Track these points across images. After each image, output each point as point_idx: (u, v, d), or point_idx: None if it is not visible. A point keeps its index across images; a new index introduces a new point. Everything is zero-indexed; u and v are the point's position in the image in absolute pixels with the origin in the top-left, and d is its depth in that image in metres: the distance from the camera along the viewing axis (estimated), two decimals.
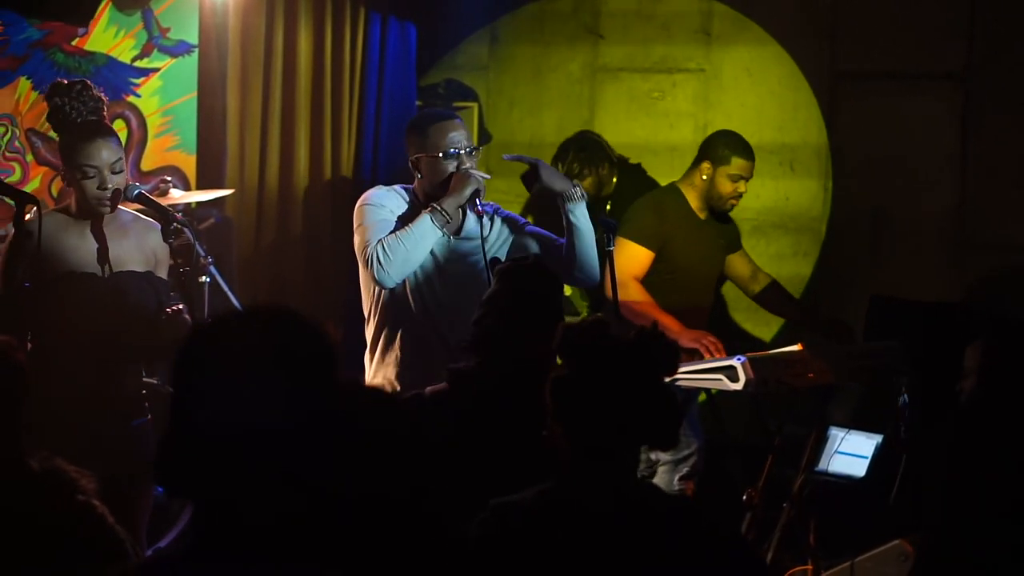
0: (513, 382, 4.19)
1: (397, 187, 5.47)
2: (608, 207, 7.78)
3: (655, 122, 8.35)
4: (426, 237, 5.16)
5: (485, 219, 5.38)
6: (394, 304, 5.34)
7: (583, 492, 3.02)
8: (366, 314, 5.47)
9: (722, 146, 6.78)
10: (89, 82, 5.06)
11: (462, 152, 5.29)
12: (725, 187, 6.76)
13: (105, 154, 4.86)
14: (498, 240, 5.46)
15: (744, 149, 6.79)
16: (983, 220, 7.75)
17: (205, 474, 1.95)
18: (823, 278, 8.12)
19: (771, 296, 7.12)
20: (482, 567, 2.90)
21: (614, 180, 7.88)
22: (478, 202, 5.26)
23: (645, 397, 3.09)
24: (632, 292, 6.46)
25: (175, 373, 2.05)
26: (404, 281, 5.28)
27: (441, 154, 5.26)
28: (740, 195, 6.81)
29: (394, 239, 5.14)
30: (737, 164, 6.75)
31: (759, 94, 8.22)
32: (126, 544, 2.68)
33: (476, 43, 8.77)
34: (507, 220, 5.54)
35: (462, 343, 4.47)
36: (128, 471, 4.61)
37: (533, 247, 5.45)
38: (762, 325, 8.03)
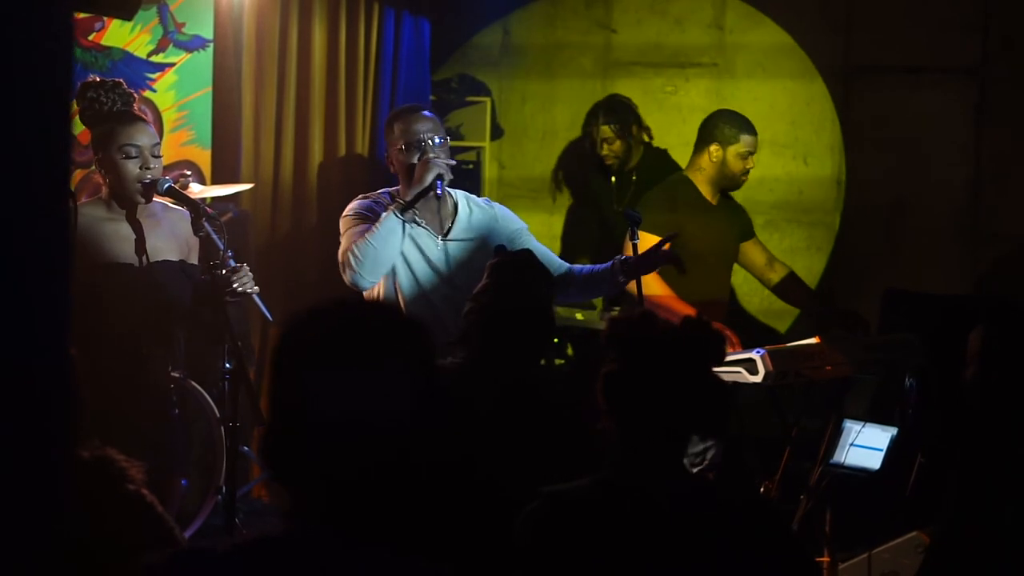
0: (500, 376, 4.21)
1: (381, 192, 5.51)
2: (633, 178, 7.80)
3: (668, 116, 8.37)
4: (393, 232, 5.19)
5: (462, 207, 5.41)
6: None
7: (637, 481, 3.04)
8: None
9: (727, 125, 6.82)
10: (121, 81, 5.12)
11: (425, 142, 5.30)
12: (737, 165, 6.80)
13: (146, 137, 4.94)
14: (478, 230, 5.47)
15: (748, 125, 6.86)
16: (997, 212, 7.79)
17: (326, 462, 1.96)
18: (837, 271, 8.15)
19: (789, 286, 7.13)
20: (537, 554, 2.92)
21: (640, 151, 7.90)
22: (439, 188, 5.26)
23: (695, 387, 3.10)
24: (653, 286, 6.47)
25: (286, 364, 2.05)
26: (397, 290, 5.30)
27: (404, 146, 5.33)
28: (749, 171, 6.86)
29: (363, 241, 5.18)
30: (745, 141, 6.81)
31: (772, 88, 8.24)
32: (175, 532, 2.71)
33: (488, 38, 8.80)
34: (503, 218, 5.55)
35: (450, 339, 4.47)
36: (160, 463, 4.64)
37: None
38: (775, 318, 8.06)
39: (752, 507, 3.17)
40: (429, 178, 5.20)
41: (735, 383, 5.95)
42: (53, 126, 1.71)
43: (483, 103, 8.61)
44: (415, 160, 5.27)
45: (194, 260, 5.17)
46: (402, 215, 5.18)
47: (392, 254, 5.19)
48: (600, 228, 7.96)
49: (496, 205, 5.61)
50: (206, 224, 5.08)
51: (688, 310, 6.43)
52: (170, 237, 5.09)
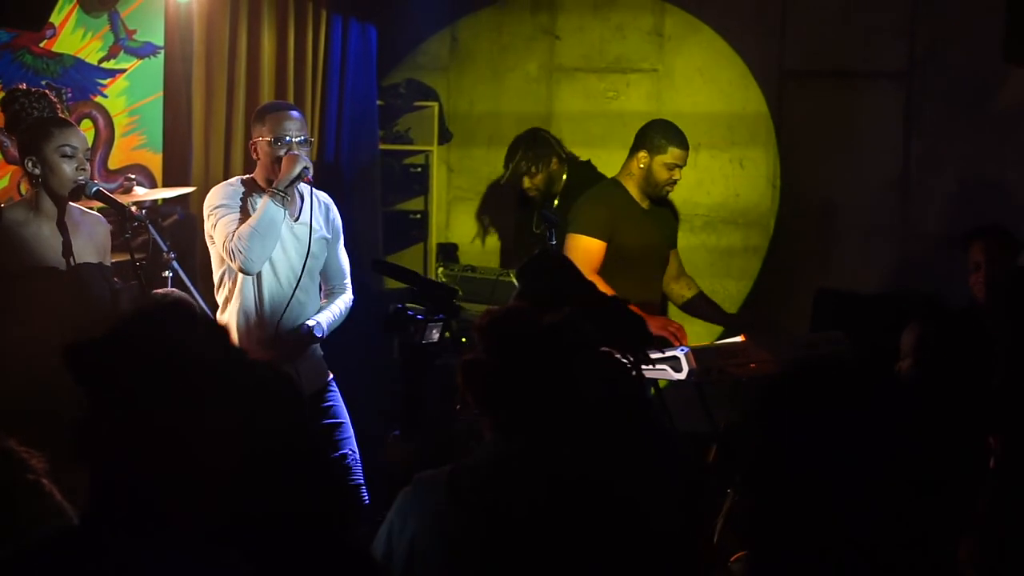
0: None
1: (233, 180, 5.82)
2: (556, 203, 7.90)
3: (610, 121, 8.49)
4: (275, 220, 5.50)
5: (316, 202, 5.75)
6: (232, 276, 5.70)
7: (495, 468, 3.12)
8: (216, 281, 5.81)
9: (659, 135, 6.91)
10: (46, 91, 5.22)
11: (293, 140, 5.61)
12: (661, 175, 6.90)
13: (80, 140, 5.07)
14: (324, 227, 5.80)
15: (680, 138, 6.93)
16: (924, 212, 7.94)
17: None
18: (772, 271, 8.29)
19: (698, 304, 7.27)
20: (396, 537, 3.04)
21: (564, 177, 8.00)
22: (306, 181, 5.61)
23: (558, 380, 3.17)
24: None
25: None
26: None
27: (273, 139, 5.60)
28: (675, 182, 6.95)
29: (246, 228, 5.48)
30: (673, 153, 6.89)
31: (710, 93, 8.39)
32: (73, 520, 2.81)
33: (436, 44, 8.91)
34: (335, 219, 5.91)
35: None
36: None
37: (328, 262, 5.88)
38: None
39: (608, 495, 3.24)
40: (297, 170, 5.51)
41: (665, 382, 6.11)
42: None
43: (431, 107, 8.73)
44: (281, 153, 5.54)
45: (108, 263, 5.29)
46: (282, 205, 5.44)
47: (275, 239, 5.52)
48: (531, 245, 8.00)
49: (333, 206, 5.88)
50: (149, 226, 5.21)
51: (631, 307, 6.60)
52: (88, 240, 5.19)
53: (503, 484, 3.07)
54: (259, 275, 5.61)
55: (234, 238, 5.47)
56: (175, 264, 6.52)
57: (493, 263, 8.51)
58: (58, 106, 5.27)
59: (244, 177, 5.80)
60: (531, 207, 8.02)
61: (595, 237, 6.79)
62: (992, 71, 7.56)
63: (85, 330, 4.98)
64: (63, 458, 3.02)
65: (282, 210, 5.51)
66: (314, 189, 5.81)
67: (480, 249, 8.68)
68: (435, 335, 5.22)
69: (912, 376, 4.42)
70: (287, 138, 5.62)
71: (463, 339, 7.73)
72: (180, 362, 2.09)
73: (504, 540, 3.01)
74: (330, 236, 5.83)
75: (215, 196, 5.66)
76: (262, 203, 5.52)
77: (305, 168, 5.56)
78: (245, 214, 5.57)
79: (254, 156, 5.75)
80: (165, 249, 6.30)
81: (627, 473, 3.14)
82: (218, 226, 5.56)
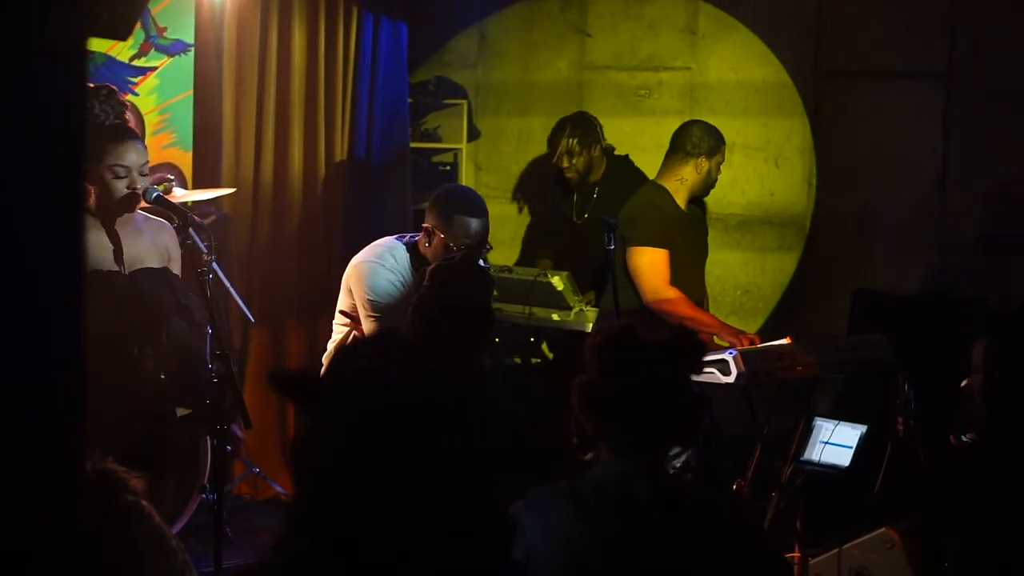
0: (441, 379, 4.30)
1: (394, 244, 5.49)
2: (595, 194, 7.86)
3: (642, 119, 8.46)
4: None
5: None
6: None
7: (618, 485, 3.12)
8: (342, 322, 5.55)
9: (709, 137, 6.90)
10: (114, 87, 5.18)
11: (466, 245, 5.19)
12: (716, 175, 6.94)
13: (135, 156, 5.00)
14: None
15: (721, 135, 6.98)
16: (963, 214, 7.89)
17: None
18: (808, 272, 8.25)
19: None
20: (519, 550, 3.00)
21: (603, 166, 7.95)
22: None
23: (672, 398, 3.19)
24: (671, 295, 6.62)
25: None
26: None
27: (453, 245, 5.21)
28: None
29: None
30: (723, 151, 6.94)
31: (744, 92, 8.34)
32: (172, 541, 2.78)
33: (466, 41, 8.88)
34: None
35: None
36: (149, 469, 4.72)
37: None
38: (748, 318, 8.16)
39: (724, 510, 3.26)
40: None
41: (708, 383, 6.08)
42: (66, 143, 1.77)
43: (460, 105, 8.70)
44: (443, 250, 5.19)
45: (176, 270, 5.23)
46: None
47: None
48: (565, 233, 8.00)
49: None
50: (191, 231, 5.16)
51: (706, 316, 6.62)
52: (151, 246, 5.16)
53: (633, 504, 3.05)
54: None
55: None
56: (215, 265, 6.48)
57: (522, 261, 8.46)
58: (128, 114, 5.18)
59: (407, 241, 5.46)
60: (568, 189, 7.95)
61: (660, 247, 6.73)
62: None
63: (142, 334, 4.96)
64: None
65: None
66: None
67: (509, 247, 8.62)
68: None
69: (983, 391, 4.39)
70: (464, 245, 5.14)
71: (496, 339, 7.70)
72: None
73: (634, 557, 2.99)
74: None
75: (369, 286, 5.33)
76: None
77: None
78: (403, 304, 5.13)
79: (424, 243, 5.37)
80: (204, 251, 6.25)
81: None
82: (367, 322, 5.28)
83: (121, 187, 4.97)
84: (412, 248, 5.44)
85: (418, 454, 1.99)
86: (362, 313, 5.32)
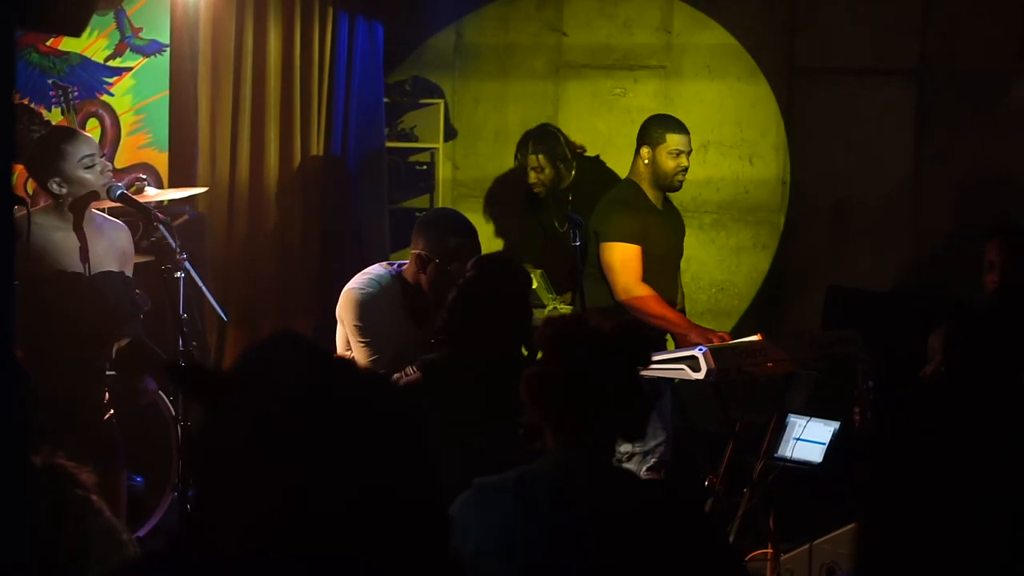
0: (483, 373, 4.34)
1: (381, 272, 5.44)
2: (570, 198, 7.87)
3: (617, 118, 8.47)
4: None
5: None
6: None
7: (562, 476, 3.13)
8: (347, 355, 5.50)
9: (655, 127, 6.88)
10: (30, 104, 5.19)
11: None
12: (667, 164, 6.82)
13: (91, 142, 5.02)
14: None
15: (675, 124, 6.90)
16: (936, 210, 7.92)
17: None
18: (782, 269, 8.28)
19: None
20: (459, 542, 3.01)
21: (572, 173, 7.95)
22: None
23: (618, 391, 3.20)
24: (643, 292, 6.61)
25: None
26: None
27: (451, 268, 5.18)
28: (684, 170, 6.87)
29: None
30: (672, 139, 6.83)
31: (719, 90, 8.36)
32: (123, 535, 2.80)
33: (442, 41, 8.88)
34: None
35: (433, 336, 4.62)
36: (104, 464, 4.75)
37: None
38: (723, 316, 8.19)
39: (672, 500, 3.27)
40: None
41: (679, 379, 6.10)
42: None
43: (436, 105, 8.70)
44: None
45: (130, 272, 5.25)
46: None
47: None
48: (544, 237, 8.02)
49: None
50: (161, 227, 5.17)
51: (674, 315, 6.62)
52: (111, 249, 5.16)
53: (577, 494, 3.07)
54: None
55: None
56: (187, 265, 6.49)
57: None
58: (43, 117, 5.19)
59: (393, 271, 5.42)
60: (538, 204, 7.97)
61: (631, 243, 6.71)
62: (1004, 69, 7.56)
63: (102, 338, 4.98)
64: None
65: None
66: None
67: (486, 247, 8.63)
68: None
69: (941, 379, 4.41)
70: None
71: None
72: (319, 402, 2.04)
73: (580, 549, 3.01)
74: None
75: (356, 312, 5.28)
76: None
77: None
78: (389, 331, 5.21)
79: (416, 270, 5.33)
80: (177, 250, 6.26)
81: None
82: (358, 348, 5.25)
83: (96, 175, 4.97)
84: (399, 276, 5.41)
85: (321, 447, 2.00)
86: (352, 341, 5.29)
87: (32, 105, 5.24)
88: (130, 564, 2.18)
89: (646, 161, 6.84)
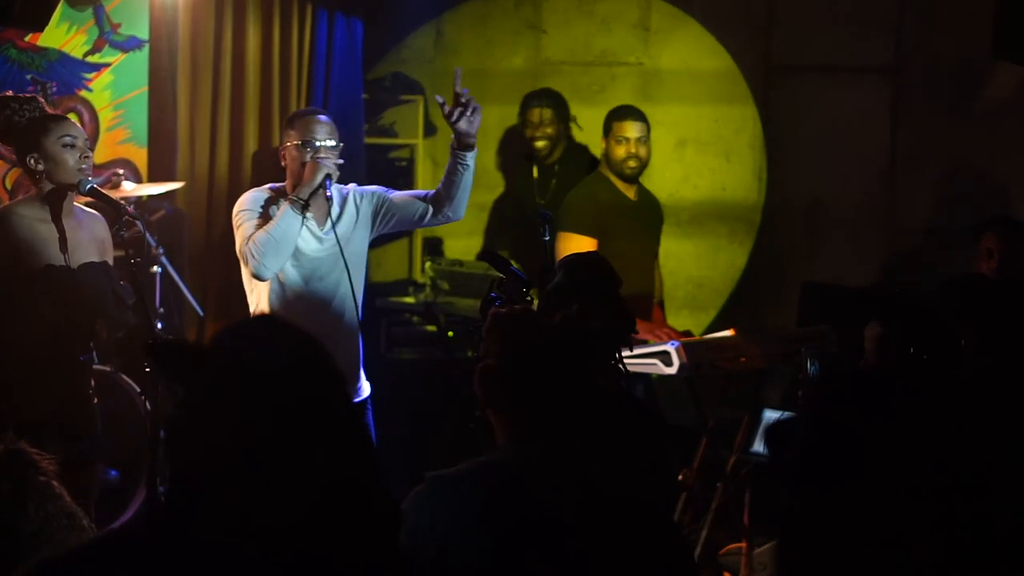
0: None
1: (264, 187, 5.67)
2: (556, 170, 7.92)
3: (596, 114, 8.45)
4: (290, 226, 5.36)
5: (335, 206, 5.57)
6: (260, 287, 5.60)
7: (517, 468, 3.14)
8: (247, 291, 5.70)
9: (608, 117, 7.06)
10: (36, 95, 5.20)
11: (319, 143, 5.50)
12: (616, 152, 6.95)
13: (78, 130, 5.03)
14: (358, 220, 5.65)
15: (626, 112, 7.04)
16: (910, 206, 7.97)
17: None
18: (759, 265, 8.31)
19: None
20: (420, 536, 3.02)
21: (563, 147, 8.02)
22: (328, 187, 5.46)
23: (566, 384, 3.19)
24: None
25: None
26: (282, 283, 5.48)
27: (300, 142, 5.50)
28: (636, 156, 6.97)
29: (262, 233, 5.36)
30: (617, 127, 6.98)
31: (696, 87, 8.39)
32: (83, 520, 2.82)
33: (422, 37, 8.88)
34: (367, 196, 5.72)
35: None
36: (81, 455, 4.78)
37: (403, 206, 5.71)
38: (700, 312, 8.23)
39: (624, 492, 3.26)
40: (319, 177, 5.39)
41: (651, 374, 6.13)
42: None
43: (416, 101, 8.70)
44: (307, 159, 5.44)
45: (110, 262, 5.26)
46: (299, 212, 5.36)
47: (290, 246, 5.38)
48: (520, 223, 8.07)
49: (355, 191, 5.75)
50: (138, 223, 5.19)
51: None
52: (91, 240, 5.16)
53: (531, 485, 3.08)
54: (287, 287, 5.52)
55: (249, 242, 5.38)
56: (164, 259, 6.53)
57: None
58: (46, 108, 5.19)
59: (276, 184, 5.67)
60: (537, 161, 8.01)
61: (585, 235, 6.77)
62: (978, 65, 7.60)
63: (84, 329, 5.01)
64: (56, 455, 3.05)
65: (299, 218, 5.38)
66: (354, 186, 5.73)
67: (466, 243, 8.67)
68: None
69: (872, 371, 4.43)
70: (315, 142, 5.50)
71: (450, 333, 7.75)
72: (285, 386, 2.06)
73: (540, 540, 3.02)
74: (370, 222, 5.69)
75: (241, 202, 5.57)
76: (280, 209, 5.41)
77: (328, 176, 5.43)
78: (267, 220, 5.46)
79: (283, 163, 5.63)
80: (154, 245, 6.29)
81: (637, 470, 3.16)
82: (238, 231, 5.48)
83: (74, 159, 4.97)
84: (278, 188, 5.63)
85: (296, 432, 2.03)
86: (236, 232, 5.51)
87: (36, 95, 5.24)
88: (93, 543, 2.19)
89: (603, 152, 7.00)
